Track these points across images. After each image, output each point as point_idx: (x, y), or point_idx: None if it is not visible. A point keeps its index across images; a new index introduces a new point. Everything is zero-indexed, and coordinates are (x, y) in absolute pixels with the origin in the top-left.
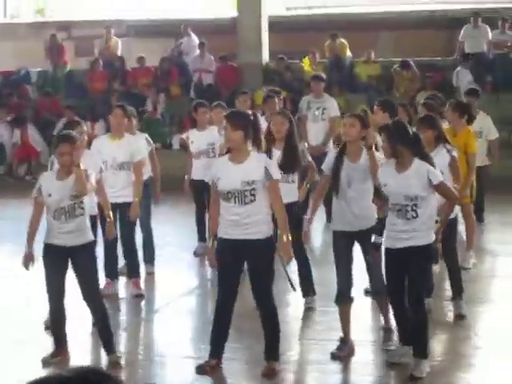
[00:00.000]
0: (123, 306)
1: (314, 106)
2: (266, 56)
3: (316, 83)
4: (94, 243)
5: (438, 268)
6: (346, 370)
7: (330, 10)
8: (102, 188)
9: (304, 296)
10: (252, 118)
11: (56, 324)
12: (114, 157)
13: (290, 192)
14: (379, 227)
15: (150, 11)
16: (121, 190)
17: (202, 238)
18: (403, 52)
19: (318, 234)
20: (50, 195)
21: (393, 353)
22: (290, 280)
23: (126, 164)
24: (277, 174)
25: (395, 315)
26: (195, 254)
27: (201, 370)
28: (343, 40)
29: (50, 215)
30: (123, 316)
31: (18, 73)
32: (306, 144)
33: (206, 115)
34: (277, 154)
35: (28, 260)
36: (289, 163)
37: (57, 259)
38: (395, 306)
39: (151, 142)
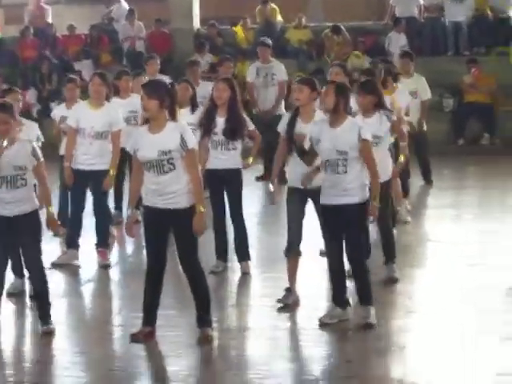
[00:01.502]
0: (58, 275)
1: (263, 72)
2: (197, 22)
3: (263, 49)
4: (37, 212)
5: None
6: (279, 335)
7: None
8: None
9: (239, 261)
10: (169, 87)
11: None
12: (93, 125)
13: (233, 159)
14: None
15: None
16: (95, 158)
17: (117, 206)
18: (334, 16)
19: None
20: None
21: (325, 314)
22: None
23: (104, 133)
24: (192, 142)
25: (331, 274)
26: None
27: (135, 338)
28: (274, 5)
29: None
30: (57, 284)
31: None
32: (258, 109)
33: (128, 83)
34: (220, 121)
35: None
36: (231, 130)
37: (0, 230)
38: (332, 264)
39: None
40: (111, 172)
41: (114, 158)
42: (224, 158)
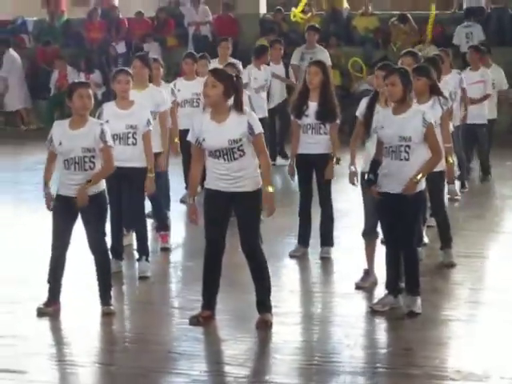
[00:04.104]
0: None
1: (307, 57)
2: (263, 7)
3: (310, 34)
4: (103, 193)
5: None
6: (337, 322)
7: None
8: (149, 142)
9: (322, 245)
10: (235, 78)
11: (54, 274)
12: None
13: (324, 143)
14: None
15: None
16: None
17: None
18: (401, 5)
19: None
20: (60, 143)
21: (377, 301)
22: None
23: (150, 114)
24: (259, 127)
25: (387, 260)
26: (181, 201)
27: (194, 320)
28: None
29: (61, 165)
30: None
31: (14, 22)
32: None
33: (190, 66)
34: (312, 105)
35: (49, 200)
36: (324, 113)
37: (66, 210)
38: (388, 251)
39: (175, 93)
40: (164, 153)
41: (163, 138)
42: (314, 142)
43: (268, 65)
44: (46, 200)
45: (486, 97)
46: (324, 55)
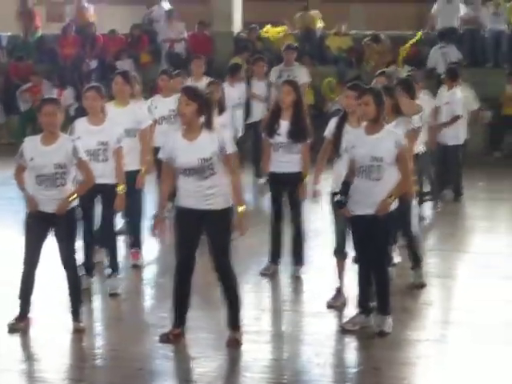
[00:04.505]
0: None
1: (285, 74)
2: (237, 26)
3: (288, 53)
4: (74, 210)
5: None
6: (308, 340)
7: None
8: (120, 158)
9: (293, 264)
10: (206, 96)
11: (25, 289)
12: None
13: (294, 162)
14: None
15: None
16: (124, 158)
17: None
18: (376, 25)
19: None
20: (32, 159)
21: (348, 320)
22: None
23: (131, 131)
24: (231, 147)
25: (359, 279)
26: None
27: (164, 338)
28: (314, 12)
29: (33, 180)
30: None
31: None
32: None
33: (165, 82)
34: (284, 124)
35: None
36: (295, 132)
37: (38, 225)
38: (360, 270)
39: (152, 110)
40: (143, 170)
41: (144, 155)
42: (286, 161)
43: (249, 82)
44: (29, 202)
45: (454, 119)
46: (302, 71)
